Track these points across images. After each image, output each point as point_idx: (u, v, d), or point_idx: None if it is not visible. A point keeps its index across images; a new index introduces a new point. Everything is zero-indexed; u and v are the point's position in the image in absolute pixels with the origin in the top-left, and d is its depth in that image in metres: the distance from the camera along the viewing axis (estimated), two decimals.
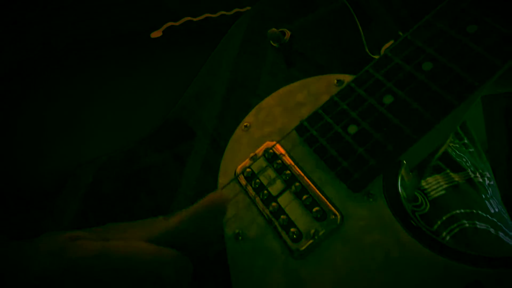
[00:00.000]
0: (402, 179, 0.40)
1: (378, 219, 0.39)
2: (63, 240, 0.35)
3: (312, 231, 0.40)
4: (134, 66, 0.58)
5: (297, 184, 0.43)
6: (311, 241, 0.40)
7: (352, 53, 0.50)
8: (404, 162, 0.40)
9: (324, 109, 0.45)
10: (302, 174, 0.43)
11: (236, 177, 0.46)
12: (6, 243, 0.38)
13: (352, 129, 0.43)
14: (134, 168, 0.52)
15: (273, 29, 0.50)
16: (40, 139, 0.54)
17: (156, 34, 0.58)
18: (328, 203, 0.41)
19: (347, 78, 0.47)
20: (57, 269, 0.34)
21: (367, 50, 0.48)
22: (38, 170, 0.53)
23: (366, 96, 0.43)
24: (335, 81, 0.47)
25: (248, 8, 0.61)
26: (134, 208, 0.50)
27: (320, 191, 0.42)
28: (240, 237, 0.43)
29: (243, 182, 0.46)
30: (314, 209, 0.41)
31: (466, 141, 0.63)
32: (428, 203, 0.51)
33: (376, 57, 0.47)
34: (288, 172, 0.44)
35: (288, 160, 0.45)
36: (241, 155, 0.48)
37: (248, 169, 0.46)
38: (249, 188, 0.45)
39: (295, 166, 0.44)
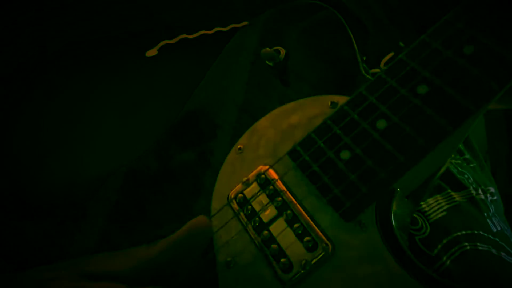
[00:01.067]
0: (396, 208, 0.39)
1: (370, 250, 0.38)
2: (39, 280, 0.35)
3: (303, 261, 0.39)
4: (132, 65, 0.57)
5: (288, 212, 0.42)
6: (302, 271, 0.39)
7: (348, 72, 0.49)
8: (398, 190, 0.39)
9: (317, 133, 0.44)
10: (294, 201, 0.42)
11: (228, 203, 0.46)
12: None
13: (345, 154, 0.42)
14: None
15: (267, 48, 0.49)
16: (39, 142, 0.54)
17: (151, 52, 0.57)
18: (319, 232, 0.40)
19: (341, 100, 0.45)
20: None
21: (362, 71, 0.47)
22: (39, 174, 0.53)
23: (359, 120, 0.42)
24: (329, 103, 0.46)
25: (245, 23, 0.60)
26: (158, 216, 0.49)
27: (311, 219, 0.41)
28: (231, 265, 0.43)
29: (236, 207, 0.45)
30: (305, 239, 0.40)
31: (467, 156, 0.61)
32: (428, 226, 0.49)
33: (371, 77, 0.45)
34: (280, 199, 0.43)
35: (280, 186, 0.44)
36: (235, 178, 0.47)
37: (240, 195, 0.45)
38: (242, 215, 0.44)
39: (287, 192, 0.43)
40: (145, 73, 0.57)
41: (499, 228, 0.53)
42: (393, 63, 0.43)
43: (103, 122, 0.55)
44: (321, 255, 0.39)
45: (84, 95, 0.56)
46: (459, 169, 0.56)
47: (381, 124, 0.41)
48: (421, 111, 0.40)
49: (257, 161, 0.47)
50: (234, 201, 0.45)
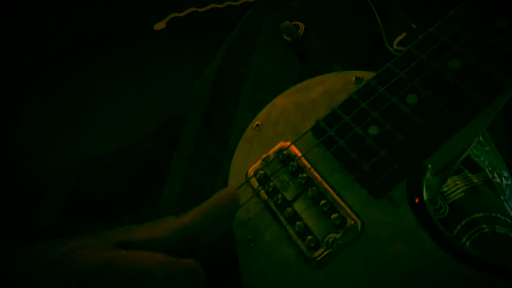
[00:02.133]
0: (427, 184, 0.38)
1: (402, 227, 0.37)
2: (68, 248, 0.33)
3: (331, 239, 0.38)
4: (136, 60, 0.56)
5: (313, 188, 0.40)
6: (329, 250, 0.38)
7: (369, 48, 0.48)
8: (429, 166, 0.38)
9: (342, 109, 0.42)
10: (319, 178, 0.41)
11: (247, 180, 0.44)
12: (6, 250, 0.36)
13: (373, 130, 0.40)
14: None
15: (287, 22, 0.47)
16: (41, 139, 0.52)
17: (159, 26, 0.55)
18: (347, 209, 0.39)
19: (366, 75, 0.44)
20: (60, 279, 0.31)
21: (387, 45, 0.46)
22: (38, 171, 0.51)
23: (387, 95, 0.41)
24: (354, 79, 0.44)
25: None
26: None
27: (338, 196, 0.39)
28: (252, 244, 0.41)
29: (255, 185, 0.43)
30: (333, 216, 0.39)
31: (481, 139, 0.60)
32: (447, 207, 0.49)
33: (396, 52, 0.44)
34: (304, 175, 0.41)
35: (303, 162, 0.42)
36: (253, 156, 0.45)
37: (261, 171, 0.43)
38: (262, 192, 0.42)
39: (312, 169, 0.41)
40: (153, 53, 0.55)
41: None
42: (422, 38, 0.42)
43: (107, 117, 0.53)
44: (350, 233, 0.38)
45: (89, 90, 0.54)
46: (475, 151, 0.56)
47: (412, 98, 0.40)
48: (454, 85, 0.38)
49: (277, 138, 0.45)
50: (253, 179, 0.43)
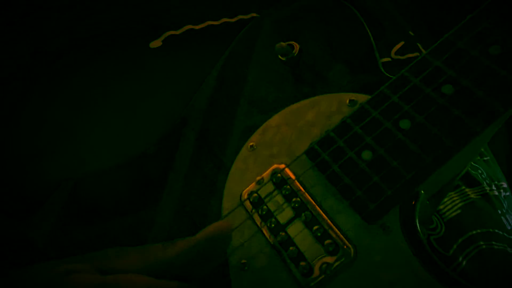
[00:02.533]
0: (420, 210, 0.38)
1: (395, 254, 0.37)
2: (57, 273, 0.34)
3: (324, 265, 0.38)
4: (136, 60, 0.55)
5: (307, 213, 0.40)
6: (322, 276, 0.38)
7: (364, 69, 0.47)
8: (422, 192, 0.38)
9: (336, 132, 0.42)
10: (313, 202, 0.41)
11: (242, 203, 0.44)
12: (2, 271, 0.37)
13: (367, 155, 0.40)
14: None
15: (281, 43, 0.47)
16: (40, 140, 0.52)
17: (155, 43, 0.55)
18: (340, 234, 0.39)
19: (360, 98, 0.44)
20: None
21: (381, 68, 0.46)
22: (38, 171, 0.51)
23: (381, 119, 0.41)
24: (348, 101, 0.44)
25: (253, 15, 0.58)
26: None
27: (332, 222, 0.39)
28: (246, 267, 0.41)
29: (249, 207, 0.43)
30: (326, 242, 0.39)
31: (482, 149, 0.60)
32: (443, 226, 0.48)
33: (389, 75, 0.44)
34: (297, 199, 0.41)
35: (297, 186, 0.42)
36: (248, 176, 0.45)
37: (254, 194, 0.43)
38: (256, 216, 0.42)
39: (305, 193, 0.41)
40: (149, 67, 0.55)
41: None
42: (416, 62, 0.42)
43: (105, 119, 0.53)
44: (343, 259, 0.38)
45: (87, 92, 0.54)
46: (472, 164, 0.55)
47: (405, 124, 0.40)
48: (447, 111, 0.38)
49: (271, 159, 0.45)
50: (247, 201, 0.43)
